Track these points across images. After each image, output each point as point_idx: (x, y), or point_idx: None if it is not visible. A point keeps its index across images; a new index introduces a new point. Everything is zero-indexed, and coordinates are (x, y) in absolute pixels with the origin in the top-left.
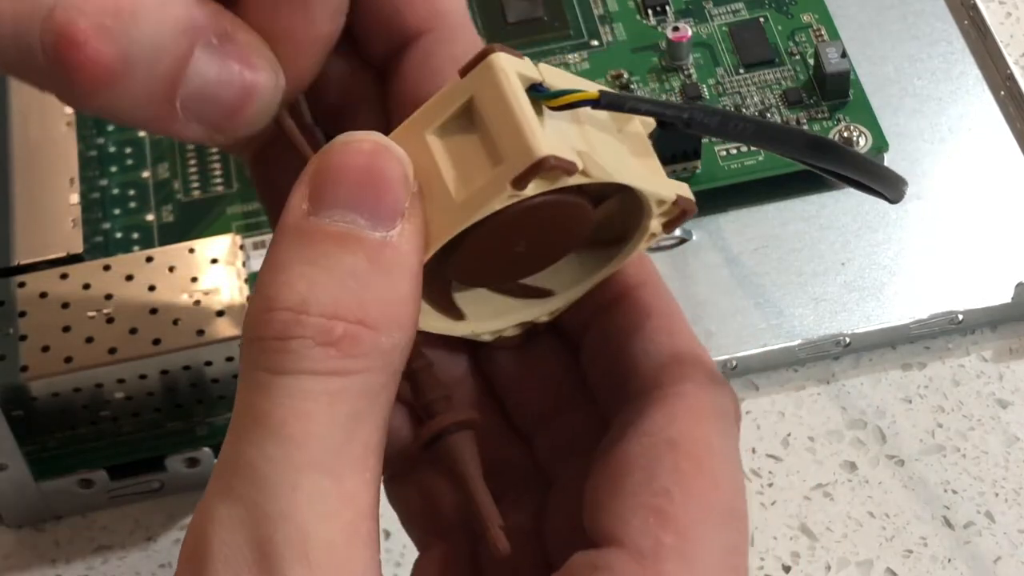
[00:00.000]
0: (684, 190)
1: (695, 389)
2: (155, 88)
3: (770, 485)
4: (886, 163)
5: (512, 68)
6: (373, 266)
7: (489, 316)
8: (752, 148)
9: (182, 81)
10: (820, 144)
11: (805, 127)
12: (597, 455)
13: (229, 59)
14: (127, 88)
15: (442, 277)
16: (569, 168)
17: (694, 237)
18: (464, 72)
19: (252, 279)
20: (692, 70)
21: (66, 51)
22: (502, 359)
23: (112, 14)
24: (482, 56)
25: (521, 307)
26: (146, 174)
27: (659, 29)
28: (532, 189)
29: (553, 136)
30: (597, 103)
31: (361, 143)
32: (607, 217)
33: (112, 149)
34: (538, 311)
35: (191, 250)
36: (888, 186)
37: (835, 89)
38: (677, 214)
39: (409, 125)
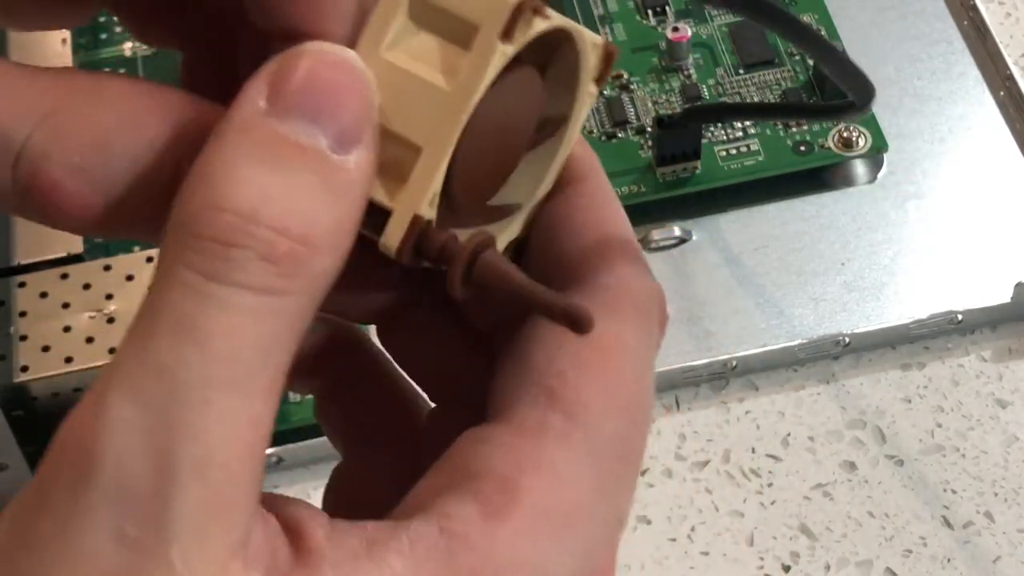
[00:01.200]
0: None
1: (616, 283)
2: (148, 209)
3: (770, 485)
4: (885, 163)
5: None
6: (325, 186)
7: None
8: (752, 148)
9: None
10: (756, 3)
11: (804, 128)
12: (513, 339)
13: None
14: (116, 215)
15: (450, 209)
16: (539, 7)
17: (694, 237)
18: None
19: None
20: (692, 70)
21: (39, 196)
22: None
23: (83, 151)
24: None
25: (502, 229)
26: None
27: (659, 29)
28: (515, 44)
29: None
30: None
31: (334, 55)
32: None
33: None
34: (516, 227)
35: None
36: (848, 75)
37: (835, 89)
38: (604, 62)
39: (361, 50)
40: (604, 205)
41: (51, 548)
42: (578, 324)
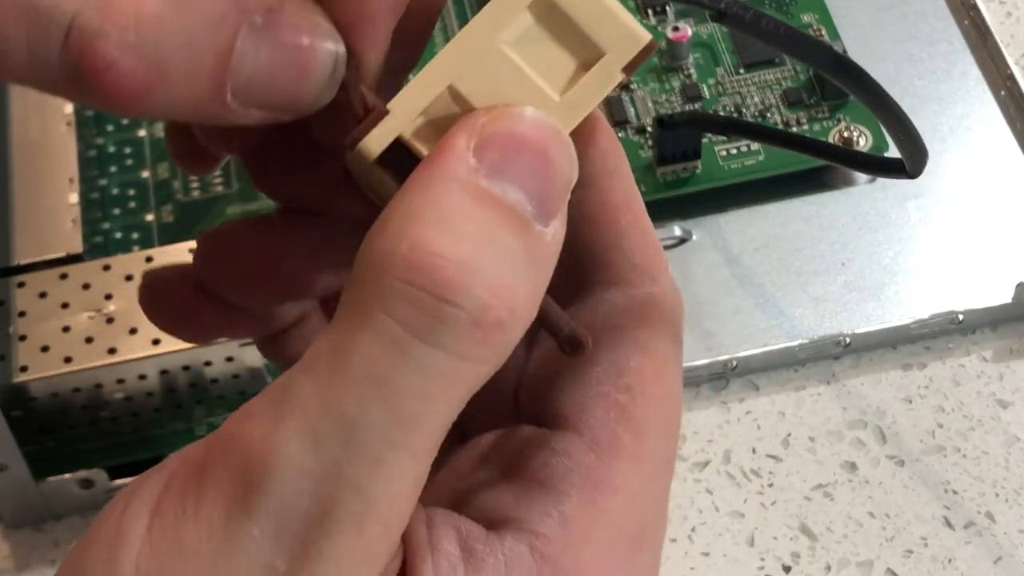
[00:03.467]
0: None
1: (663, 297)
2: (199, 87)
3: (770, 485)
4: None
5: None
6: (528, 257)
7: None
8: (752, 148)
9: (228, 73)
10: (844, 63)
11: (805, 128)
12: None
13: (279, 36)
14: (167, 94)
15: None
16: (654, 48)
17: (694, 237)
18: None
19: None
20: (692, 70)
21: (91, 77)
22: None
23: (135, 27)
24: None
25: None
26: (146, 174)
27: (659, 29)
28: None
29: None
30: None
31: (546, 123)
32: None
33: (112, 149)
34: None
35: (191, 250)
36: (908, 141)
37: (835, 89)
38: (640, 55)
39: (473, 31)
40: (643, 215)
41: (200, 563)
42: (578, 348)
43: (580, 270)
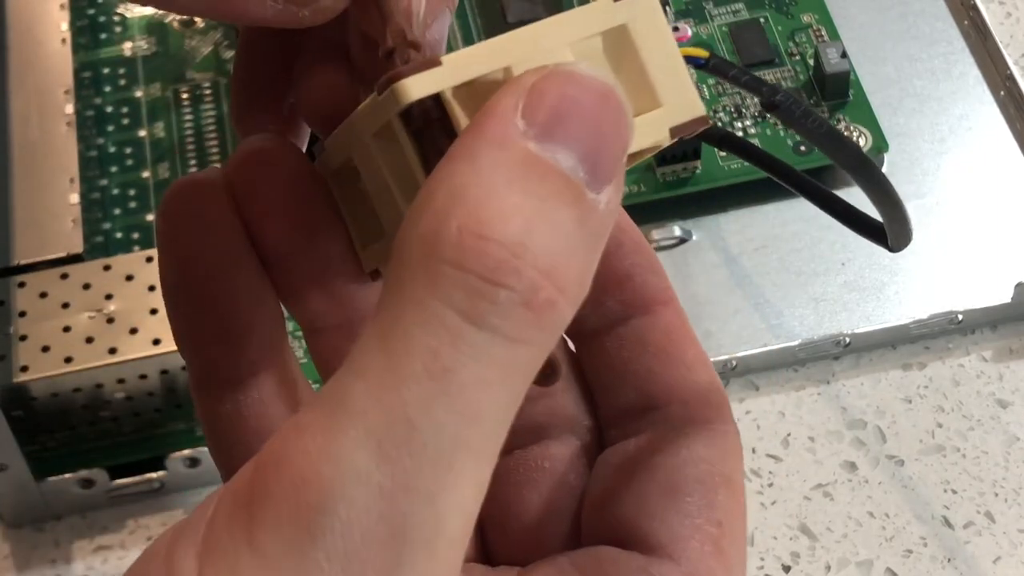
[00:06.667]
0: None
1: (733, 430)
2: None
3: (770, 485)
4: (886, 163)
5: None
6: (581, 229)
7: None
8: None
9: None
10: (867, 165)
11: None
12: (642, 461)
13: None
14: None
15: None
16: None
17: (694, 237)
18: None
19: None
20: (692, 70)
21: None
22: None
23: None
24: None
25: None
26: (146, 174)
27: None
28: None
29: None
30: (704, 65)
31: (600, 82)
32: None
33: (112, 149)
34: None
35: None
36: (900, 227)
37: (835, 89)
38: (690, 123)
39: (549, 26)
40: (700, 347)
41: None
42: (551, 376)
43: (638, 397)
